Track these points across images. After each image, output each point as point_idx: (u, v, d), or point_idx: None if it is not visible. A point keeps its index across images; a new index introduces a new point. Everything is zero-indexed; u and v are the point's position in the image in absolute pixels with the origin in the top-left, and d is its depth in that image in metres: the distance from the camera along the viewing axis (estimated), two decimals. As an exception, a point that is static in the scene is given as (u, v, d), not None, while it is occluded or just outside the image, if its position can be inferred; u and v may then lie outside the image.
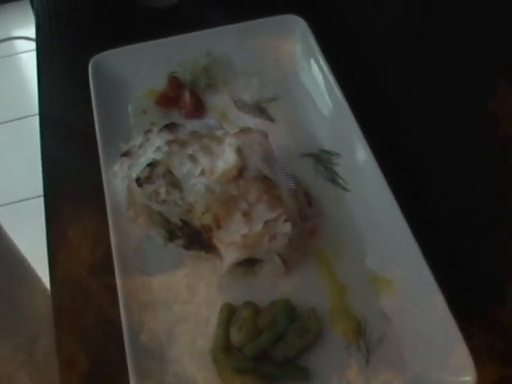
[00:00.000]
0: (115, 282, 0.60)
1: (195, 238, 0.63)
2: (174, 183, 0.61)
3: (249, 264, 0.62)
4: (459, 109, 0.60)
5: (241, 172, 0.60)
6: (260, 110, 0.77)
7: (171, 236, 0.64)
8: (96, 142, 0.71)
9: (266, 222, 0.59)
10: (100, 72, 0.76)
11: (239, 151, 0.61)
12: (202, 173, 0.61)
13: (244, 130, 0.64)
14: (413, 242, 0.61)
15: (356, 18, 0.83)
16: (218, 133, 0.65)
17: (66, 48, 0.87)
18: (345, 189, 0.69)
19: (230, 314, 0.59)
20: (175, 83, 0.77)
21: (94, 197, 0.68)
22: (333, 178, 0.70)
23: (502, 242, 0.59)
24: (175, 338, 0.59)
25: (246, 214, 0.60)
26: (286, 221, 0.59)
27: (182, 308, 0.61)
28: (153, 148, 0.65)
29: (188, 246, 0.64)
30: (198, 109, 0.76)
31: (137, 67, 0.78)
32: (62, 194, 0.72)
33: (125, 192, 0.66)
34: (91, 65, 0.76)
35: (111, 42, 0.81)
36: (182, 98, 0.76)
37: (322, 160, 0.72)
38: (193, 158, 0.62)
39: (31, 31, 1.02)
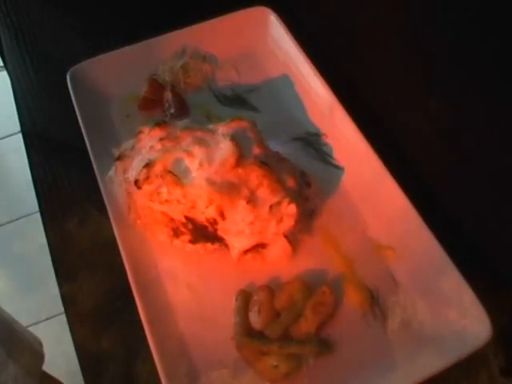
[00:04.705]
0: (129, 287, 0.60)
1: (200, 231, 0.63)
2: (174, 182, 0.61)
3: (257, 249, 0.63)
4: (440, 78, 0.62)
5: (238, 160, 0.61)
6: (242, 102, 0.79)
7: (176, 233, 0.65)
8: (83, 151, 0.71)
9: (271, 207, 0.60)
10: (79, 83, 0.76)
11: (234, 140, 0.62)
12: (200, 166, 0.61)
13: (234, 120, 0.65)
14: (409, 206, 0.63)
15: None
16: (210, 126, 0.66)
17: (38, 64, 0.87)
18: (337, 166, 0.71)
19: (246, 299, 0.60)
20: (156, 85, 0.78)
21: (92, 206, 0.69)
22: (324, 157, 0.72)
23: (495, 197, 0.62)
24: (195, 331, 0.60)
25: (250, 202, 0.61)
26: (289, 203, 0.61)
27: (197, 301, 0.62)
28: (146, 148, 0.65)
29: (194, 241, 0.64)
30: (182, 108, 0.77)
31: (115, 74, 0.78)
32: (58, 209, 0.72)
33: (123, 196, 0.66)
34: (69, 77, 0.76)
35: (82, 54, 0.82)
36: (165, 100, 0.77)
37: (311, 142, 0.73)
38: (188, 153, 0.63)
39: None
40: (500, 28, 0.51)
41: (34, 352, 0.89)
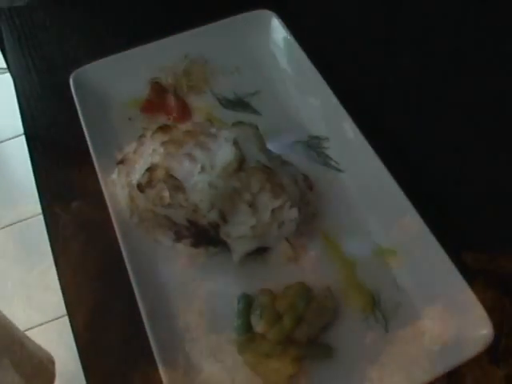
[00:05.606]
0: (131, 289, 0.60)
1: (203, 235, 0.64)
2: (176, 186, 0.61)
3: (258, 252, 0.63)
4: (441, 81, 0.63)
5: (240, 164, 0.61)
6: (244, 105, 0.79)
7: (178, 236, 0.65)
8: (86, 154, 0.71)
9: (272, 211, 0.60)
10: (82, 86, 0.76)
11: (236, 144, 0.62)
12: (202, 170, 0.62)
13: (236, 124, 0.65)
14: (412, 210, 0.63)
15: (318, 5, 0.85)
16: (212, 130, 0.66)
17: (41, 67, 0.87)
18: (339, 170, 0.71)
19: (247, 303, 0.60)
20: (158, 89, 0.78)
21: (95, 209, 0.69)
22: (325, 161, 0.72)
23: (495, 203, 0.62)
24: (196, 334, 0.60)
25: (252, 205, 0.61)
26: (291, 207, 0.61)
27: (198, 304, 0.62)
28: (149, 151, 0.65)
29: (196, 244, 0.65)
30: (184, 111, 0.77)
31: (117, 77, 0.78)
32: (60, 212, 0.72)
33: (126, 199, 0.66)
34: (72, 80, 0.76)
35: (85, 57, 0.82)
36: (167, 103, 0.77)
37: (313, 145, 0.73)
38: (190, 157, 0.63)
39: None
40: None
41: (45, 371, 0.88)
